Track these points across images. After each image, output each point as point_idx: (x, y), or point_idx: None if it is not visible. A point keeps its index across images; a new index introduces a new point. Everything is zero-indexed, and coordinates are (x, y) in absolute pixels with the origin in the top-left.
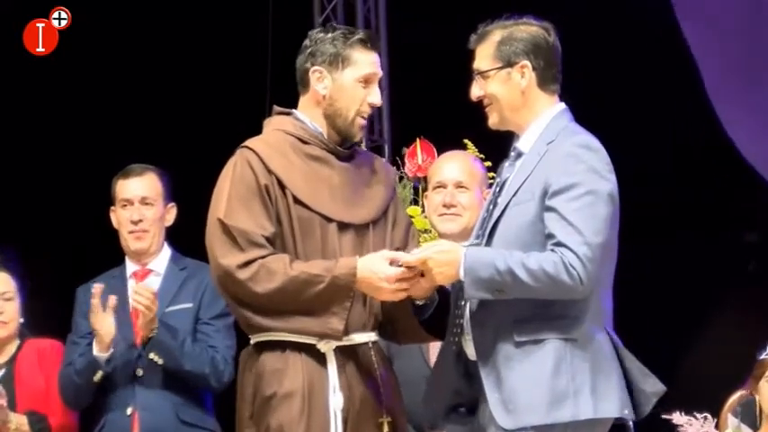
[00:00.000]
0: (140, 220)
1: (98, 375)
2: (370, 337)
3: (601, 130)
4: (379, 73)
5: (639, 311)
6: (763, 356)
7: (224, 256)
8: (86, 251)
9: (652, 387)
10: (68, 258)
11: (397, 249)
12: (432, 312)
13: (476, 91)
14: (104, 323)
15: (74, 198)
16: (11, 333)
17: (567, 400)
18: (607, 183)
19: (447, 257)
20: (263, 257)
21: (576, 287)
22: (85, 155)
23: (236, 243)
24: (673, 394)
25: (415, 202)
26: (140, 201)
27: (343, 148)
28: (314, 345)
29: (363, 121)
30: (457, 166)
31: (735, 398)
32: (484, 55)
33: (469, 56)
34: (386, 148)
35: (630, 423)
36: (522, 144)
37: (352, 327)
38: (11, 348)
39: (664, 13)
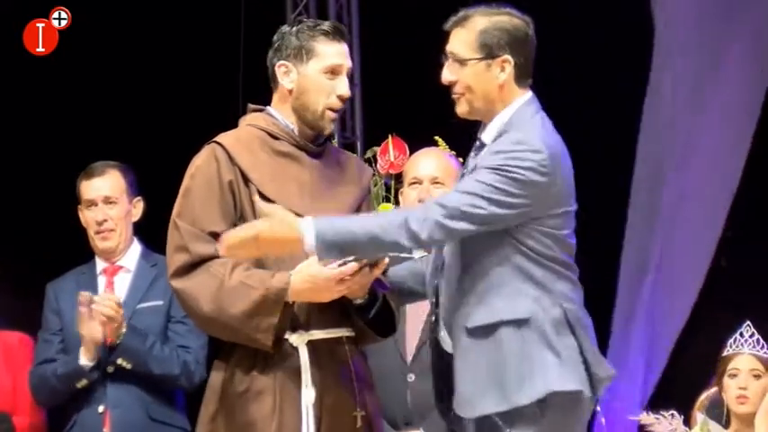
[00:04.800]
0: (105, 221)
1: (82, 383)
2: (344, 332)
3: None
4: (346, 63)
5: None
6: (725, 353)
7: (171, 255)
8: (55, 246)
9: (604, 372)
10: (36, 253)
11: None
12: (377, 311)
13: (447, 75)
14: (92, 330)
15: (48, 194)
16: None
17: (523, 383)
18: (533, 173)
19: (281, 228)
20: (209, 259)
21: (411, 240)
22: (75, 151)
23: (184, 243)
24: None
25: (387, 199)
26: (103, 200)
27: (315, 144)
28: (286, 339)
29: (333, 114)
30: (432, 162)
31: (704, 396)
32: (463, 40)
33: (444, 37)
34: (358, 144)
35: (603, 420)
36: (485, 135)
37: (326, 322)
38: None
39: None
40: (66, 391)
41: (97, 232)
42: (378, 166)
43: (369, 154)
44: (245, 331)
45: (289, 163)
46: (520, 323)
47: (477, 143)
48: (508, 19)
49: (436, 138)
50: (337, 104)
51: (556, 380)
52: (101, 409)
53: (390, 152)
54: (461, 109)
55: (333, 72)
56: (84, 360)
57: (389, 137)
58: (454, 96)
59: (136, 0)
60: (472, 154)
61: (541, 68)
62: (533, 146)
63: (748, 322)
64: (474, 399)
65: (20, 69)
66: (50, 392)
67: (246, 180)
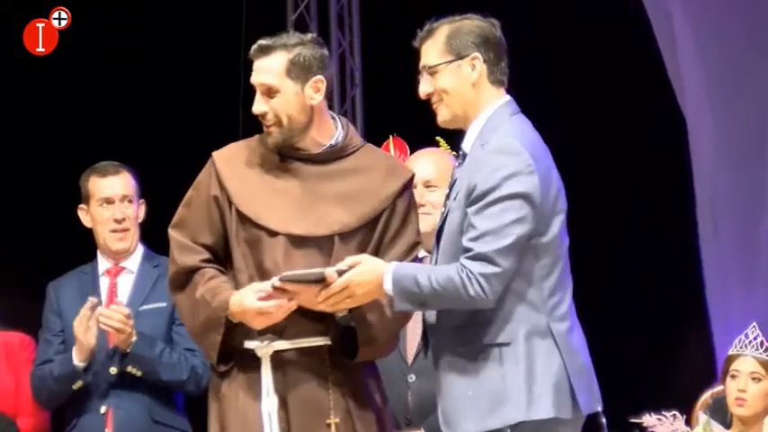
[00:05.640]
0: (124, 219)
1: (77, 384)
2: (320, 341)
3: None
4: (255, 81)
5: (611, 312)
6: (730, 352)
7: (169, 266)
8: (55, 246)
9: (588, 400)
10: (36, 253)
11: None
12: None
13: (424, 88)
14: (88, 334)
15: (49, 194)
16: None
17: (500, 405)
18: (524, 184)
19: (369, 276)
20: (195, 269)
21: (480, 300)
22: (74, 151)
23: (173, 255)
24: (644, 394)
25: None
26: (121, 199)
27: (321, 151)
28: (251, 349)
29: (266, 129)
30: (427, 165)
31: (707, 395)
32: (432, 51)
33: (415, 54)
34: None
35: (604, 421)
36: (465, 144)
37: (299, 332)
38: None
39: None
40: (64, 393)
41: (114, 230)
42: None
43: None
44: (202, 345)
45: (281, 175)
46: (504, 346)
47: (461, 152)
48: (471, 22)
49: (437, 138)
50: (264, 122)
51: (526, 408)
52: (103, 409)
53: (392, 152)
54: (442, 116)
55: (255, 92)
56: (77, 361)
57: (390, 137)
58: (434, 107)
59: (136, 0)
60: (456, 164)
61: (551, 70)
62: (515, 150)
63: (754, 323)
64: (453, 416)
65: (20, 69)
66: (49, 394)
67: (229, 200)
